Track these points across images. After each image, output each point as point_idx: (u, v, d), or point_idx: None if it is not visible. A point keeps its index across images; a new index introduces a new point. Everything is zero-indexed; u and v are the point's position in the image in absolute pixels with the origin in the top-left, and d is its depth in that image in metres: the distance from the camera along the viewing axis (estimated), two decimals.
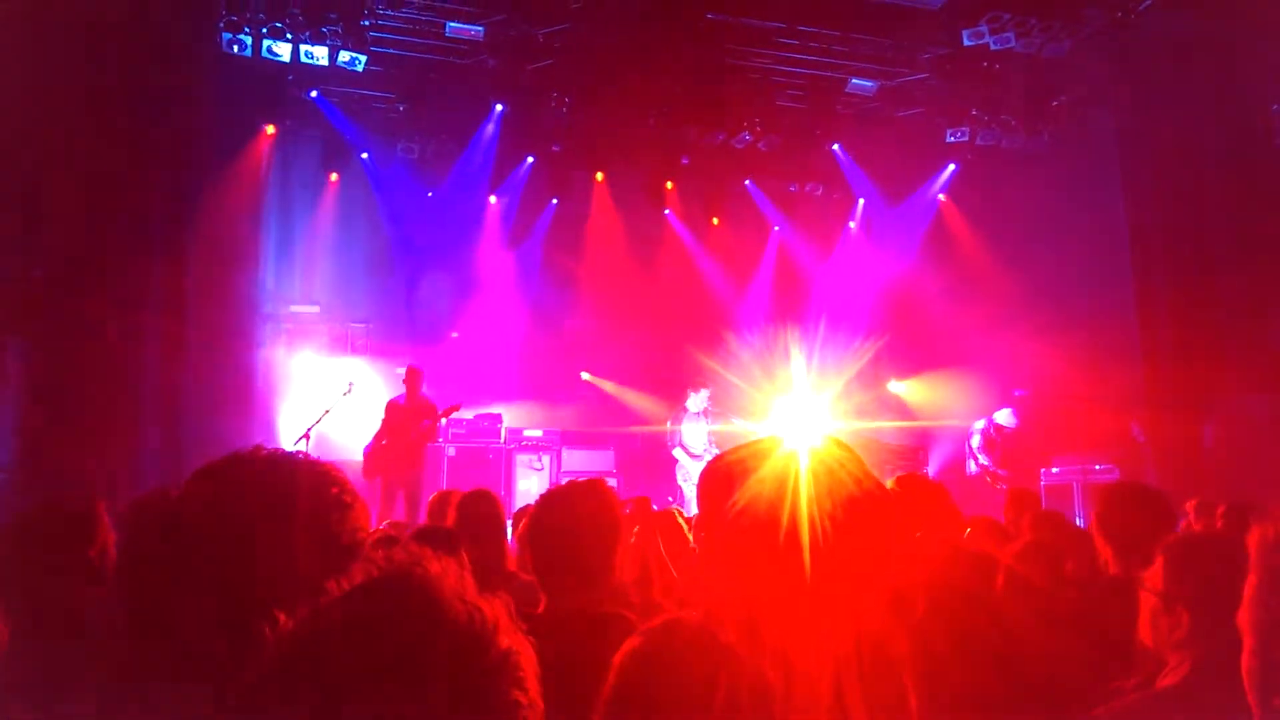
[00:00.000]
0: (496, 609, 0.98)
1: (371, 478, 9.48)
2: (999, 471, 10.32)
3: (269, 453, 1.47)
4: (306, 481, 1.44)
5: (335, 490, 1.47)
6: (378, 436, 9.73)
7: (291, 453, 1.54)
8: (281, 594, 1.21)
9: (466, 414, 11.48)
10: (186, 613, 1.38)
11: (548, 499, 2.39)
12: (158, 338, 9.74)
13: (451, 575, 0.99)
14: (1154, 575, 2.14)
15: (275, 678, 0.93)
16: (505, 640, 0.96)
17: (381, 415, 9.91)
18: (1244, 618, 1.77)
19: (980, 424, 10.53)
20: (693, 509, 9.49)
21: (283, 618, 1.03)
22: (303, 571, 1.30)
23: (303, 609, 0.98)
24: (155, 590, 1.44)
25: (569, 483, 2.51)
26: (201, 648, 1.34)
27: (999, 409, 10.57)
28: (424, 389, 9.94)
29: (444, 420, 9.85)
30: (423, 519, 7.50)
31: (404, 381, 9.96)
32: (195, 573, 1.38)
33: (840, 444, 1.53)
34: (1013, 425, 10.37)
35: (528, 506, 4.09)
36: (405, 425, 9.70)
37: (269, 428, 11.06)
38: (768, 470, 1.31)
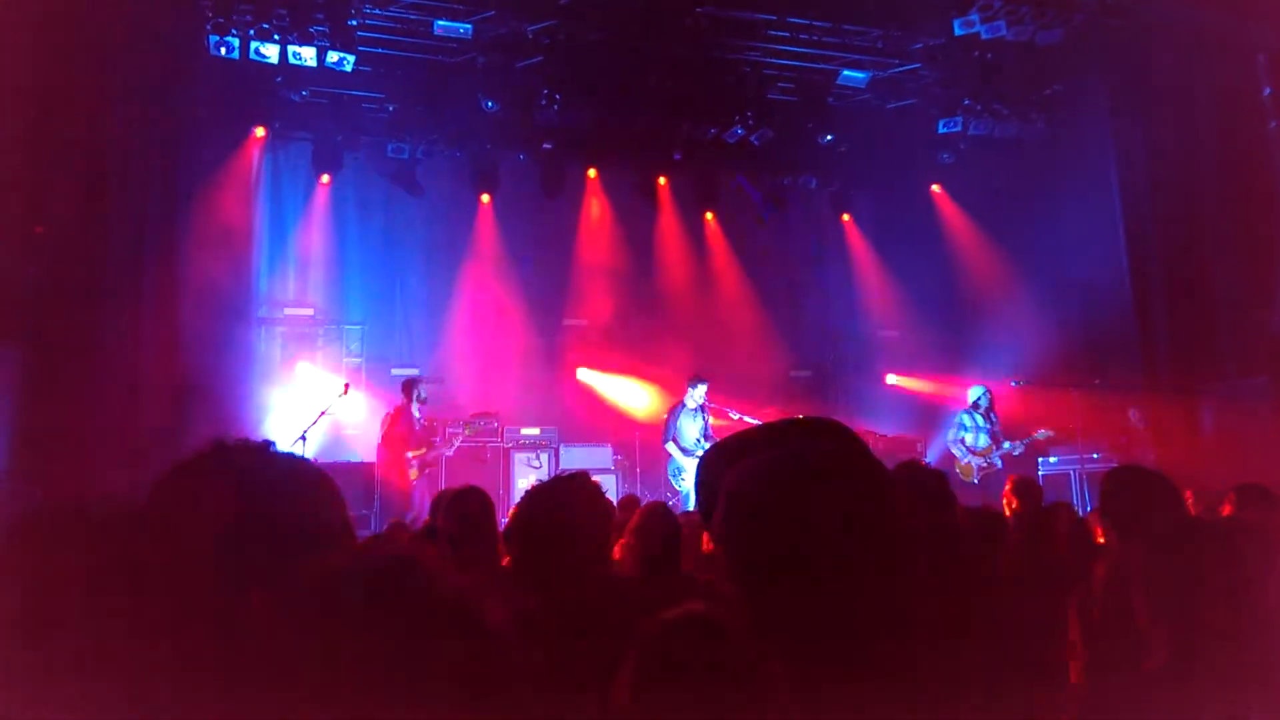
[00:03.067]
0: (481, 588, 0.97)
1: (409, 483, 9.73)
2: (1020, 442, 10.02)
3: (243, 446, 1.44)
4: (282, 474, 1.41)
5: (312, 480, 1.45)
6: (407, 444, 9.87)
7: (263, 443, 1.50)
8: (262, 586, 1.19)
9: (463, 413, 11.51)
10: (161, 612, 1.36)
11: (533, 496, 2.38)
12: (152, 342, 9.73)
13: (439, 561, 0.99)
14: (1136, 557, 2.11)
15: (275, 656, 0.92)
16: (494, 613, 0.96)
17: (396, 423, 10.04)
18: None
19: (956, 421, 10.37)
20: (687, 504, 9.47)
21: (264, 606, 1.01)
22: (282, 563, 1.28)
23: (294, 592, 0.97)
24: (130, 592, 1.42)
25: (554, 478, 2.50)
26: (179, 646, 1.32)
27: (972, 389, 10.40)
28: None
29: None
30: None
31: (407, 394, 10.12)
32: (167, 574, 1.36)
33: (844, 428, 1.48)
34: (989, 399, 10.25)
35: None
36: (424, 433, 10.07)
37: (266, 430, 11.04)
38: (777, 454, 1.27)
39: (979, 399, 10.26)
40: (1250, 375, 9.34)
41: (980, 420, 10.22)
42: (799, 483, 1.21)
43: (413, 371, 12.01)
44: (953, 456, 10.33)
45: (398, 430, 9.92)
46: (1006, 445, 10.02)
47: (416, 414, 10.04)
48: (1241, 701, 1.81)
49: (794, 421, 1.66)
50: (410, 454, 9.79)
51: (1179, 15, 9.60)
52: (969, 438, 10.19)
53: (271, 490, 1.39)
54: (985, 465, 10.03)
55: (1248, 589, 1.90)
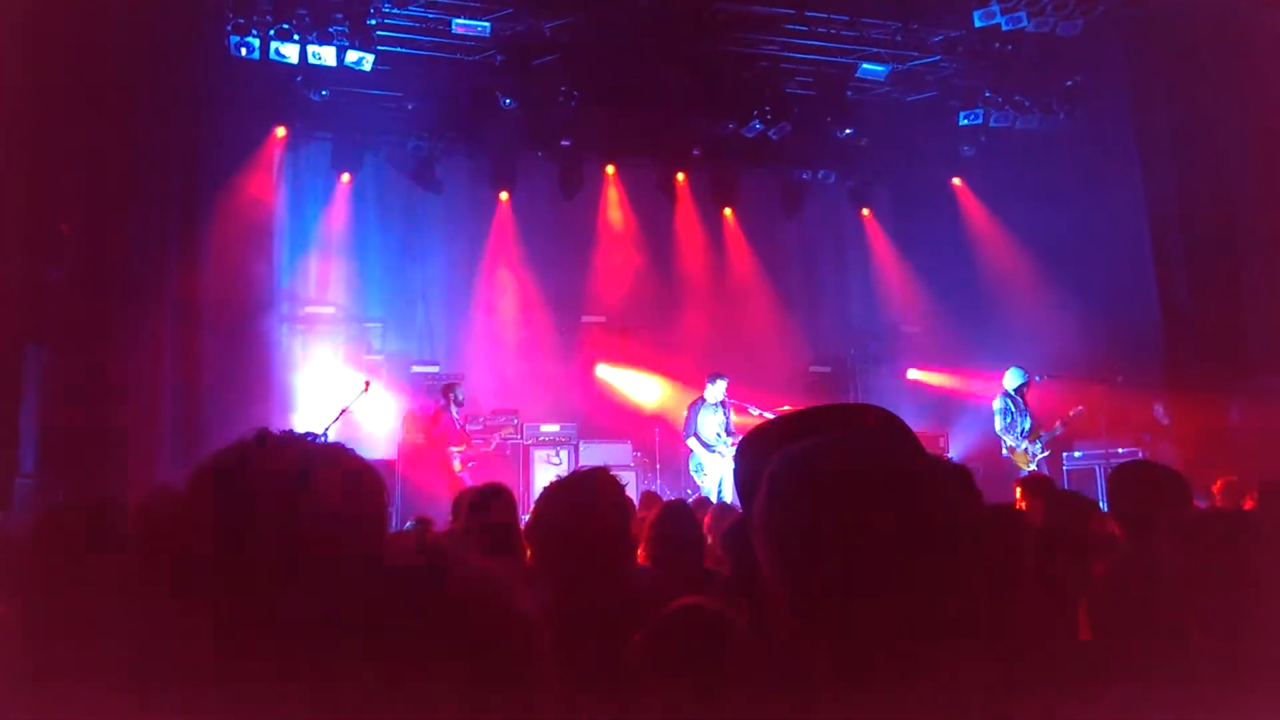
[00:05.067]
0: (508, 573, 0.97)
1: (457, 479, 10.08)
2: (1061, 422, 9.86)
3: (278, 438, 1.45)
4: (319, 464, 1.41)
5: (346, 471, 1.45)
6: (449, 442, 10.31)
7: (302, 435, 1.52)
8: (297, 578, 1.19)
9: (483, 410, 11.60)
10: (199, 604, 1.36)
11: (550, 493, 2.37)
12: (175, 341, 9.82)
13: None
14: (1163, 553, 2.08)
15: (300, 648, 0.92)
16: (519, 604, 0.95)
17: (437, 423, 10.43)
18: None
19: (1001, 407, 10.16)
20: (709, 499, 9.45)
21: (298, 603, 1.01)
22: (319, 555, 1.28)
23: (319, 589, 0.97)
24: (169, 584, 1.43)
25: (570, 474, 2.48)
26: (217, 639, 1.32)
27: (1006, 375, 10.22)
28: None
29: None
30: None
31: (445, 397, 10.51)
32: (208, 565, 1.36)
33: (892, 415, 1.42)
34: (1028, 382, 10.07)
35: None
36: (464, 433, 10.51)
37: (288, 427, 11.12)
38: (826, 438, 1.21)
39: (1021, 384, 10.04)
40: (1277, 371, 9.22)
41: (1023, 404, 10.02)
42: (849, 467, 1.15)
43: (433, 369, 12.07)
44: (1008, 447, 10.04)
45: (439, 431, 10.29)
46: (1045, 435, 9.87)
47: (455, 415, 10.41)
48: (1259, 697, 1.79)
49: (842, 406, 1.59)
50: (453, 449, 10.18)
51: (1201, 4, 9.48)
52: (1018, 423, 9.98)
53: (317, 481, 1.39)
54: (1039, 452, 9.88)
55: (1266, 584, 1.87)
